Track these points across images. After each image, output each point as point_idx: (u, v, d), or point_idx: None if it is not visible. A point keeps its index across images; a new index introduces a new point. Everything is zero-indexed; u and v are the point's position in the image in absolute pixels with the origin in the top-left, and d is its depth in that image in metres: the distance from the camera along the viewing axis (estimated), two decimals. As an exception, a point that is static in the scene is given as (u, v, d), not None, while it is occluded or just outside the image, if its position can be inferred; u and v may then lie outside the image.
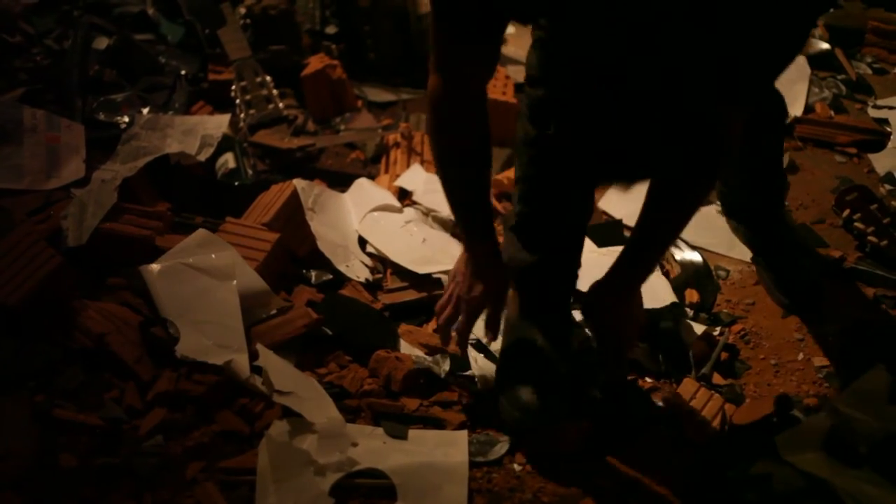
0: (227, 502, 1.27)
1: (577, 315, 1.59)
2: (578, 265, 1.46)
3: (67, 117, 1.98)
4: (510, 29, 2.80)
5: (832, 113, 2.45)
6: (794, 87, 2.50)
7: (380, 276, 1.83)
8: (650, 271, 1.42)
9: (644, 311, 1.48)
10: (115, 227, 1.67)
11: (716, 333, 1.69)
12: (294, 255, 1.79)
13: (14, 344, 1.42)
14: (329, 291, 1.73)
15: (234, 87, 2.26)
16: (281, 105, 2.24)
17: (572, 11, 1.08)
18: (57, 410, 1.35)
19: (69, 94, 2.08)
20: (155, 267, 1.56)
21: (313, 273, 1.77)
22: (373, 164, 2.27)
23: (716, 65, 1.08)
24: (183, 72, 2.34)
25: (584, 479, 1.40)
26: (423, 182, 2.03)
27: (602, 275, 1.43)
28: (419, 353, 1.59)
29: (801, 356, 1.67)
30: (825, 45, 2.74)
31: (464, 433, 1.43)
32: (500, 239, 1.91)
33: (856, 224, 1.95)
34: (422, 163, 2.14)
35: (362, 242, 1.90)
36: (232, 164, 2.06)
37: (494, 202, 2.07)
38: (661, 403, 1.54)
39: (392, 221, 1.93)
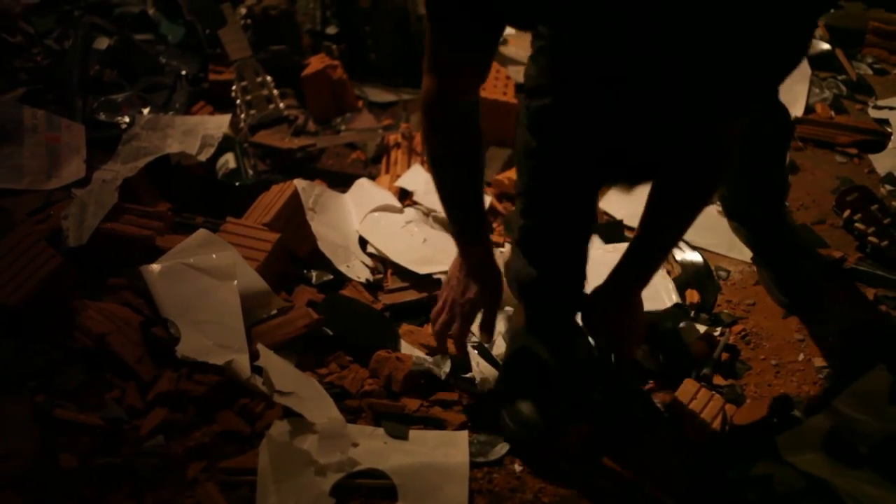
0: (228, 502, 1.27)
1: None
2: (584, 278, 1.45)
3: (68, 117, 1.99)
4: (510, 30, 2.80)
5: (833, 113, 2.45)
6: (795, 88, 2.50)
7: (380, 276, 1.83)
8: (650, 276, 1.42)
9: (645, 314, 1.47)
10: (115, 227, 1.67)
11: (716, 334, 1.69)
12: (295, 255, 1.79)
13: (15, 344, 1.42)
14: (330, 292, 1.73)
15: (234, 88, 2.26)
16: (281, 105, 2.24)
17: (572, 14, 1.08)
18: (58, 410, 1.35)
19: (70, 94, 2.08)
20: (156, 267, 1.56)
21: (314, 273, 1.77)
22: (373, 164, 2.27)
23: (716, 67, 1.08)
24: (183, 72, 2.34)
25: (584, 480, 1.40)
26: (424, 182, 2.03)
27: (607, 271, 1.43)
28: (420, 353, 1.59)
29: (801, 357, 1.67)
30: (826, 46, 2.74)
31: (464, 433, 1.43)
32: (503, 240, 1.93)
33: (856, 224, 1.95)
34: (422, 163, 2.14)
35: (363, 243, 1.90)
36: (232, 165, 2.06)
37: (494, 202, 2.07)
38: (661, 404, 1.54)
39: (393, 222, 1.93)
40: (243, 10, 2.55)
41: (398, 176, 2.11)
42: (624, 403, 1.54)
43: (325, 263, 1.78)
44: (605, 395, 1.53)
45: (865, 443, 1.40)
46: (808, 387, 1.60)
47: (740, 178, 1.76)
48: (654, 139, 1.23)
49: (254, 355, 1.46)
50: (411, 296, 1.75)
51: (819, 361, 1.66)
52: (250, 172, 2.07)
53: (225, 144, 2.06)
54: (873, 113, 2.48)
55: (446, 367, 1.55)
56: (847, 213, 1.99)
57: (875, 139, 2.34)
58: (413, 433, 1.43)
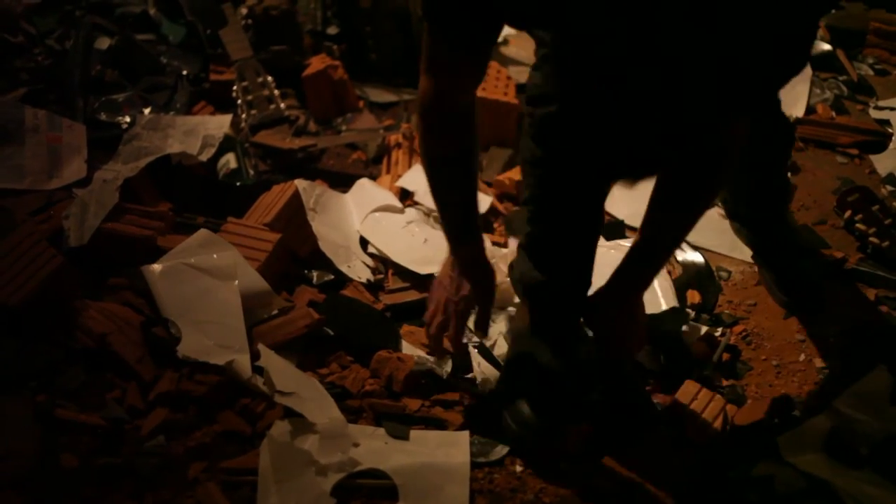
0: (229, 502, 1.28)
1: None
2: (589, 282, 1.46)
3: (69, 117, 1.99)
4: (510, 30, 2.80)
5: (834, 114, 2.45)
6: (796, 88, 2.50)
7: (381, 276, 1.83)
8: (652, 278, 1.42)
9: (646, 316, 1.48)
10: (116, 227, 1.68)
11: (717, 334, 1.69)
12: (295, 255, 1.79)
13: (16, 344, 1.42)
14: (330, 292, 1.73)
15: (235, 88, 2.26)
16: (282, 105, 2.23)
17: (571, 14, 1.08)
18: (58, 410, 1.35)
19: (71, 94, 2.08)
20: (156, 267, 1.57)
21: (315, 273, 1.77)
22: (374, 164, 2.27)
23: (717, 67, 1.08)
24: (184, 72, 2.34)
25: (585, 480, 1.40)
26: (425, 183, 2.00)
27: (606, 268, 1.43)
28: (421, 353, 1.59)
29: (802, 357, 1.67)
30: (827, 46, 2.73)
31: (465, 434, 1.44)
32: (503, 240, 1.93)
33: (857, 225, 1.95)
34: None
35: (364, 243, 1.90)
36: (233, 165, 2.06)
37: (495, 202, 2.07)
38: (662, 405, 1.54)
39: (393, 222, 1.93)
40: (244, 11, 2.55)
41: (399, 176, 2.11)
42: (624, 404, 1.54)
43: (325, 263, 1.78)
44: (605, 395, 1.53)
45: (866, 443, 1.39)
46: (809, 387, 1.60)
47: (742, 180, 1.76)
48: (655, 138, 1.23)
49: (255, 355, 1.46)
50: (412, 296, 1.75)
51: (820, 362, 1.66)
52: (251, 172, 2.07)
53: (226, 144, 2.06)
54: (874, 113, 2.48)
55: (447, 368, 1.55)
56: (848, 213, 1.99)
57: (876, 140, 2.34)
58: (414, 433, 1.43)
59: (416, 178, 2.07)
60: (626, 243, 1.43)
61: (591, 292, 1.46)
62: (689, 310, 1.76)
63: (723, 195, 1.87)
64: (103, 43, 2.30)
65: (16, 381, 1.38)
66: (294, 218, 1.81)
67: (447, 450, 1.40)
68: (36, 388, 1.38)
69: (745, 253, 1.90)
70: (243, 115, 2.21)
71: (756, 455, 1.42)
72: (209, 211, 1.83)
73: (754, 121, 1.22)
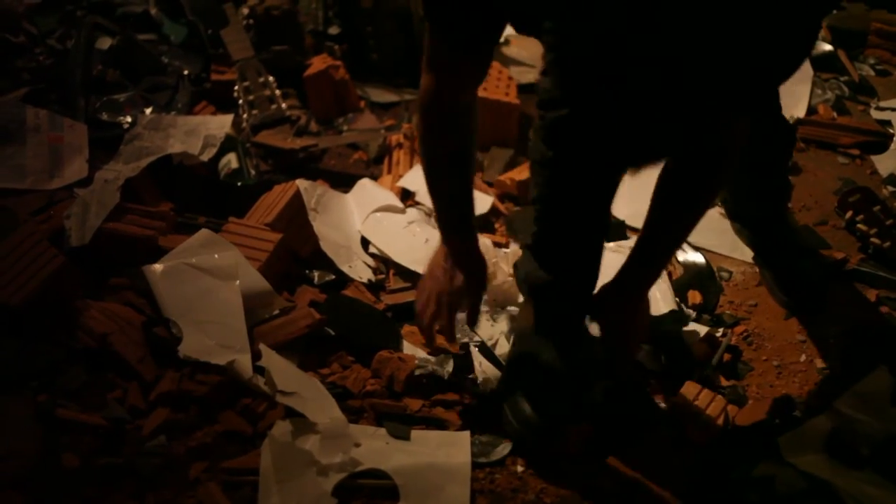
0: (230, 502, 1.28)
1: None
2: (595, 282, 1.46)
3: (70, 117, 1.99)
4: (512, 30, 2.79)
5: (835, 114, 2.45)
6: (797, 89, 2.50)
7: (382, 276, 1.83)
8: (656, 277, 1.43)
9: (650, 315, 1.48)
10: (118, 227, 1.68)
11: (718, 335, 1.69)
12: (297, 255, 1.79)
13: (17, 344, 1.42)
14: (332, 292, 1.73)
15: (236, 88, 2.26)
16: (284, 105, 2.24)
17: (571, 11, 1.09)
18: (60, 410, 1.35)
19: (72, 93, 2.08)
20: (158, 267, 1.57)
21: (316, 273, 1.77)
22: (375, 164, 2.27)
23: (717, 62, 1.08)
24: (186, 72, 2.34)
25: (586, 480, 1.40)
26: (426, 183, 2.03)
27: (611, 269, 1.44)
28: (422, 353, 1.59)
29: (803, 358, 1.67)
30: (828, 47, 2.73)
31: (466, 434, 1.44)
32: (504, 240, 1.93)
33: (858, 226, 1.95)
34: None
35: (365, 243, 1.90)
36: (235, 165, 2.06)
37: (496, 202, 2.07)
38: (663, 405, 1.54)
39: (395, 222, 1.93)
40: (245, 11, 2.55)
41: (400, 176, 2.11)
42: (624, 403, 1.54)
43: (327, 264, 1.78)
44: (606, 395, 1.53)
45: (867, 444, 1.39)
46: (810, 388, 1.60)
47: (742, 180, 1.76)
48: (657, 136, 1.23)
49: (256, 355, 1.46)
50: (413, 296, 1.75)
51: (821, 362, 1.66)
52: (252, 172, 2.07)
53: (227, 144, 2.06)
54: (875, 114, 2.48)
55: (449, 368, 1.55)
56: (849, 214, 1.99)
57: (877, 140, 2.33)
58: (415, 433, 1.43)
59: (417, 179, 2.07)
60: (628, 244, 1.44)
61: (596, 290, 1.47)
62: (689, 310, 1.76)
63: (723, 195, 1.87)
64: (104, 43, 2.30)
65: (17, 381, 1.38)
66: (295, 218, 1.81)
67: (448, 450, 1.40)
68: (37, 387, 1.38)
69: (746, 253, 1.90)
70: (245, 115, 2.21)
71: (757, 455, 1.42)
72: (210, 211, 1.83)
73: (755, 121, 1.22)
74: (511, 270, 1.70)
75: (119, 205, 1.71)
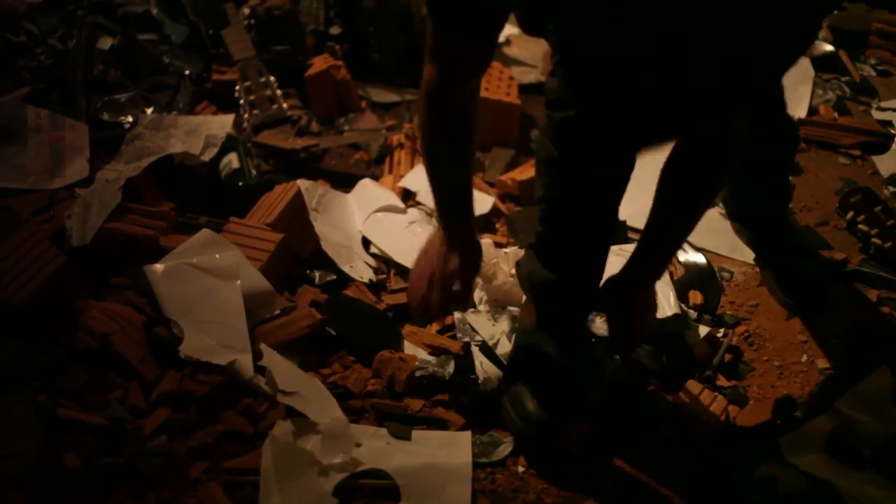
0: (231, 502, 1.28)
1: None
2: (599, 282, 1.47)
3: (71, 117, 1.99)
4: (513, 30, 2.80)
5: (836, 115, 2.45)
6: (798, 89, 2.50)
7: (383, 276, 1.83)
8: (664, 267, 1.46)
9: (656, 306, 1.49)
10: (119, 226, 1.67)
11: (719, 335, 1.69)
12: (298, 255, 1.79)
13: (18, 344, 1.42)
14: (333, 292, 1.73)
15: (237, 88, 2.26)
16: (285, 105, 2.23)
17: (571, 7, 1.10)
18: (61, 410, 1.35)
19: (73, 93, 2.08)
20: (159, 267, 1.57)
21: (317, 273, 1.77)
22: (377, 164, 2.27)
23: (716, 64, 1.09)
24: (187, 72, 2.34)
25: (587, 481, 1.40)
26: (427, 183, 2.02)
27: (612, 271, 1.45)
28: (423, 353, 1.59)
29: (804, 358, 1.67)
30: (829, 47, 2.73)
31: (467, 434, 1.43)
32: (505, 240, 1.93)
33: (860, 226, 1.95)
34: (426, 163, 2.14)
35: (366, 243, 1.90)
36: (236, 165, 2.06)
37: (498, 203, 2.07)
38: (664, 406, 1.54)
39: (396, 222, 1.93)
40: (247, 11, 2.55)
41: (401, 176, 2.11)
42: (625, 403, 1.54)
43: (328, 264, 1.78)
44: (606, 394, 1.53)
45: (868, 444, 1.39)
46: (811, 388, 1.60)
47: (744, 180, 1.76)
48: (657, 131, 1.25)
49: (257, 355, 1.46)
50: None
51: (822, 363, 1.66)
52: (254, 172, 2.07)
53: (228, 144, 2.06)
54: (877, 114, 2.48)
55: (450, 368, 1.55)
56: (850, 214, 1.99)
57: (879, 141, 2.33)
58: (416, 433, 1.43)
59: (418, 179, 2.07)
60: (630, 248, 1.44)
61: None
62: (691, 310, 1.76)
63: (724, 195, 1.87)
64: (106, 43, 2.30)
65: (18, 381, 1.38)
66: (296, 218, 1.81)
67: (449, 450, 1.40)
68: (38, 387, 1.38)
69: (747, 254, 1.90)
70: (246, 115, 2.21)
71: (758, 456, 1.42)
72: (211, 211, 1.83)
73: (757, 121, 1.23)
74: (511, 271, 1.70)
75: (120, 205, 1.71)
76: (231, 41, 2.38)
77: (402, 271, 1.81)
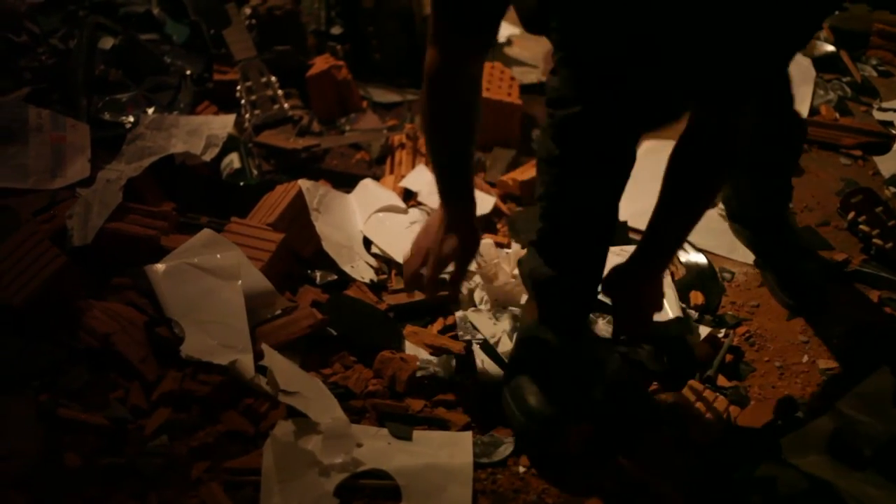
0: (232, 502, 1.28)
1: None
2: (600, 279, 1.48)
3: (73, 117, 1.99)
4: (514, 30, 2.80)
5: (837, 115, 2.45)
6: (800, 90, 2.49)
7: (384, 276, 1.83)
8: (670, 259, 1.47)
9: (663, 294, 1.50)
10: (120, 226, 1.68)
11: (720, 335, 1.69)
12: (299, 255, 1.79)
13: (19, 343, 1.42)
14: (334, 292, 1.73)
15: (239, 88, 2.26)
16: (286, 105, 2.23)
17: (571, 11, 1.10)
18: (62, 410, 1.35)
19: (74, 93, 2.08)
20: (160, 267, 1.57)
21: (318, 273, 1.77)
22: (378, 164, 2.27)
23: (721, 64, 1.09)
24: (188, 72, 2.34)
25: (588, 481, 1.40)
26: (429, 183, 2.03)
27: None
28: (424, 353, 1.59)
29: (805, 358, 1.67)
30: (830, 48, 2.73)
31: (468, 434, 1.43)
32: (506, 240, 1.93)
33: (861, 226, 1.95)
34: (427, 164, 2.14)
35: (367, 243, 1.90)
36: (237, 165, 2.06)
37: (499, 203, 2.07)
38: (665, 406, 1.54)
39: (397, 222, 1.93)
40: (248, 11, 2.55)
41: (402, 176, 2.11)
42: (625, 403, 1.54)
43: (329, 264, 1.79)
44: (606, 394, 1.53)
45: (869, 445, 1.39)
46: (812, 388, 1.60)
47: (745, 181, 1.76)
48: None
49: (258, 355, 1.46)
50: (415, 296, 1.75)
51: (823, 363, 1.65)
52: (255, 172, 2.07)
53: (229, 144, 2.06)
54: (878, 115, 2.48)
55: (451, 368, 1.55)
56: (851, 215, 1.99)
57: (880, 141, 2.33)
58: (417, 434, 1.43)
59: (419, 179, 2.07)
60: (631, 249, 1.45)
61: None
62: (692, 311, 1.76)
63: (725, 194, 1.87)
64: (107, 42, 2.30)
65: (19, 381, 1.38)
66: (297, 218, 1.81)
67: (450, 450, 1.40)
68: (39, 387, 1.38)
69: (747, 254, 1.90)
70: (247, 115, 2.21)
71: (759, 456, 1.42)
72: (213, 211, 1.83)
73: (761, 119, 1.24)
74: (513, 271, 1.70)
75: (121, 204, 1.71)
76: (232, 41, 2.39)
77: (403, 272, 1.81)
